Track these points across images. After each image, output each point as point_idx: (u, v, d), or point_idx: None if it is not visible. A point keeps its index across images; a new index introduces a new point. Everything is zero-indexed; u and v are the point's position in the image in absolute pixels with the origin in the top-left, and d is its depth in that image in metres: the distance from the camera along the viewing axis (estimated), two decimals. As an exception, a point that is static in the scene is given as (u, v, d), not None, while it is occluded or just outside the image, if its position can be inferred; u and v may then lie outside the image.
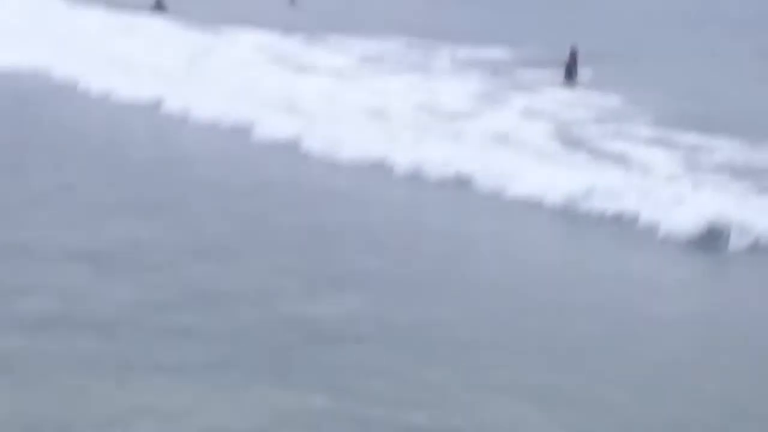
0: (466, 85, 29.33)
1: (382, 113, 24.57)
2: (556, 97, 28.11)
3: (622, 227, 15.96)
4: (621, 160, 20.41)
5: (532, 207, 16.96)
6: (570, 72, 31.13)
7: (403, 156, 19.67)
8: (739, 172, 19.39)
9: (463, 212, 17.13)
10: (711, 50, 41.73)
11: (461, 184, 18.37)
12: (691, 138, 22.54)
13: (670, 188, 17.35)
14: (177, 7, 46.75)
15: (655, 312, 12.29)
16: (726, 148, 21.59)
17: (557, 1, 68.75)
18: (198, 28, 40.96)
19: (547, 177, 17.80)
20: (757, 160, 20.62)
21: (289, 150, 20.92)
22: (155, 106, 24.92)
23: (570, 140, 22.30)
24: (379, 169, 19.44)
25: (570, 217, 16.61)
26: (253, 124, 22.50)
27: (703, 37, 48.01)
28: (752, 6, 69.58)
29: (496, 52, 37.24)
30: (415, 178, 18.89)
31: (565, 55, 31.84)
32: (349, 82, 29.40)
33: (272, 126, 22.21)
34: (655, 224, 15.69)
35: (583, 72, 31.21)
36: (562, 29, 47.32)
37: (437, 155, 19.60)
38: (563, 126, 23.91)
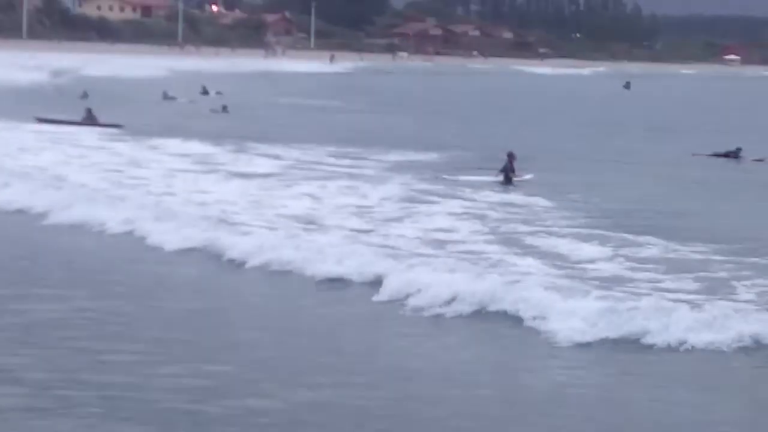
0: (394, 190, 29.12)
1: (308, 218, 24.38)
2: (488, 200, 28.02)
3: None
4: (552, 257, 20.34)
5: (440, 312, 16.38)
6: (507, 175, 31.31)
7: (323, 261, 19.05)
8: (656, 271, 19.24)
9: (375, 318, 16.49)
10: (637, 153, 42.32)
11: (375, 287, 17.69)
12: (620, 237, 22.47)
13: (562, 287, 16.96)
14: (109, 118, 46.61)
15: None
16: (652, 248, 21.50)
17: (482, 109, 69.91)
18: (127, 139, 40.86)
19: (460, 280, 17.25)
20: (676, 260, 20.51)
21: (205, 256, 20.27)
22: (41, 216, 23.91)
23: (500, 240, 22.19)
24: (295, 275, 18.78)
25: (478, 319, 16.23)
26: (166, 231, 21.69)
27: (628, 140, 48.71)
28: (672, 113, 71.32)
29: (426, 157, 37.42)
30: (334, 283, 18.33)
31: (498, 159, 32.08)
32: (275, 189, 29.18)
33: (187, 231, 21.57)
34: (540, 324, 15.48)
35: (519, 175, 31.38)
36: (489, 135, 47.94)
37: (359, 259, 19.07)
38: (494, 226, 23.81)
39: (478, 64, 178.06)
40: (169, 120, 50.05)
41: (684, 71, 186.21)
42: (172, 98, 65.12)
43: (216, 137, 41.34)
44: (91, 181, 29.18)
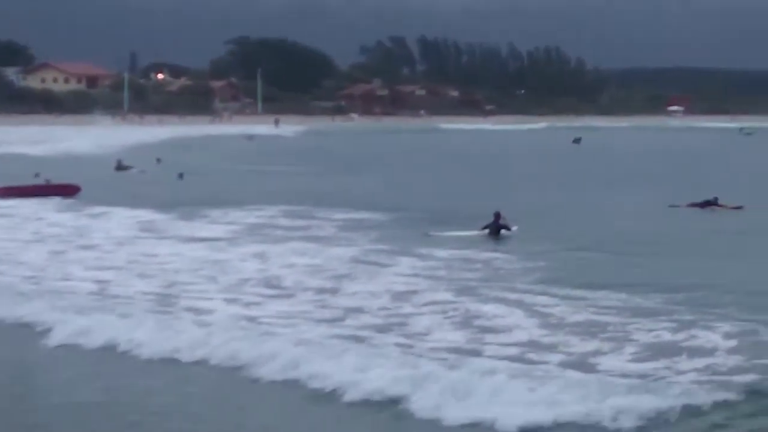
0: (348, 250, 29.06)
1: (270, 281, 24.41)
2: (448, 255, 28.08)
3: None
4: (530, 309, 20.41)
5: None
6: (495, 230, 32.13)
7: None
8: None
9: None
10: (612, 206, 42.88)
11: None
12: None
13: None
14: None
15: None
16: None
17: (434, 167, 70.27)
18: (81, 209, 40.67)
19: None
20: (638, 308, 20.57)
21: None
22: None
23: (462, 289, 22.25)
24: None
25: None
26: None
27: (598, 194, 49.33)
28: (628, 166, 72.00)
29: (377, 217, 37.52)
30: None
31: (469, 215, 33.79)
32: (225, 251, 29.17)
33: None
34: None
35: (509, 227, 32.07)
36: (448, 193, 48.44)
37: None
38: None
39: (422, 122, 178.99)
40: (124, 189, 49.97)
41: (627, 124, 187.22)
42: (126, 168, 64.95)
43: (173, 204, 41.34)
44: (36, 261, 28.21)
